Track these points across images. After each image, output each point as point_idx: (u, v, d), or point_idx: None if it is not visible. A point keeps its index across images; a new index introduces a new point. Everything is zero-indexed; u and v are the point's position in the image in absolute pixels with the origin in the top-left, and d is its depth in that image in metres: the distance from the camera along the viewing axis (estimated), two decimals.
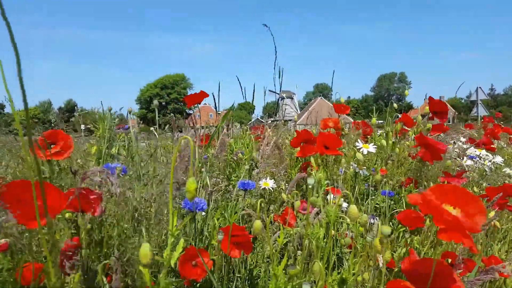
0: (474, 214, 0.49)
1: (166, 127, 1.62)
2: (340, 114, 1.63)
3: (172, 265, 0.50)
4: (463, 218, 0.49)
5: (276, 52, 2.13)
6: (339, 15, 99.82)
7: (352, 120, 1.96)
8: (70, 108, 46.69)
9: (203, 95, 1.36)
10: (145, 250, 0.49)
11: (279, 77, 2.22)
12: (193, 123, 1.69)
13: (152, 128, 1.43)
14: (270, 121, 2.76)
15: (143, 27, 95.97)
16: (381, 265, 0.74)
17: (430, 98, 1.40)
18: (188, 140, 0.48)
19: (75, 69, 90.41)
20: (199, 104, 1.38)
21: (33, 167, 0.42)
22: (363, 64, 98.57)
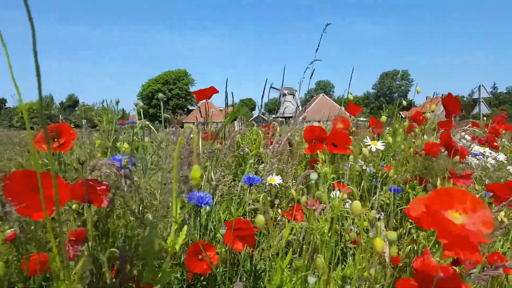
0: (480, 223, 0.45)
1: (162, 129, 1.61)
2: (352, 115, 1.60)
3: (177, 249, 0.50)
4: (471, 226, 0.45)
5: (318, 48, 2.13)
6: (339, 11, 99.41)
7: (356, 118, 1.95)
8: (72, 103, 46.71)
9: (212, 90, 1.34)
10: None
11: (310, 78, 2.23)
12: (197, 118, 1.69)
13: (148, 123, 1.42)
14: (272, 118, 2.75)
15: (143, 23, 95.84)
16: (387, 260, 0.74)
17: (449, 94, 1.44)
18: (191, 129, 0.48)
19: (75, 64, 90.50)
20: (209, 99, 1.36)
21: (40, 159, 0.42)
22: (364, 61, 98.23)
